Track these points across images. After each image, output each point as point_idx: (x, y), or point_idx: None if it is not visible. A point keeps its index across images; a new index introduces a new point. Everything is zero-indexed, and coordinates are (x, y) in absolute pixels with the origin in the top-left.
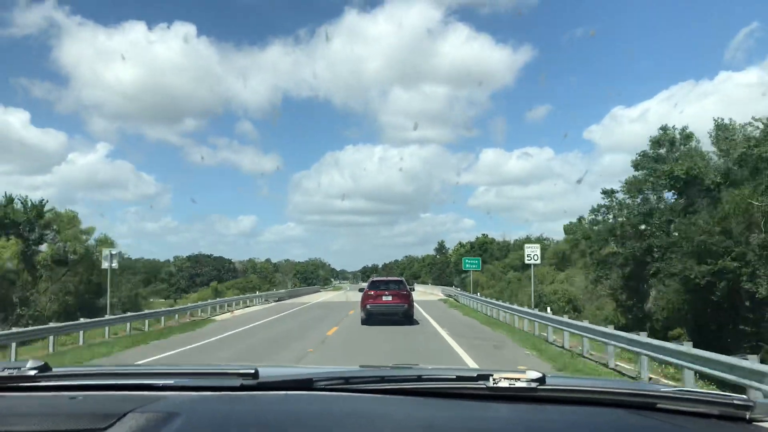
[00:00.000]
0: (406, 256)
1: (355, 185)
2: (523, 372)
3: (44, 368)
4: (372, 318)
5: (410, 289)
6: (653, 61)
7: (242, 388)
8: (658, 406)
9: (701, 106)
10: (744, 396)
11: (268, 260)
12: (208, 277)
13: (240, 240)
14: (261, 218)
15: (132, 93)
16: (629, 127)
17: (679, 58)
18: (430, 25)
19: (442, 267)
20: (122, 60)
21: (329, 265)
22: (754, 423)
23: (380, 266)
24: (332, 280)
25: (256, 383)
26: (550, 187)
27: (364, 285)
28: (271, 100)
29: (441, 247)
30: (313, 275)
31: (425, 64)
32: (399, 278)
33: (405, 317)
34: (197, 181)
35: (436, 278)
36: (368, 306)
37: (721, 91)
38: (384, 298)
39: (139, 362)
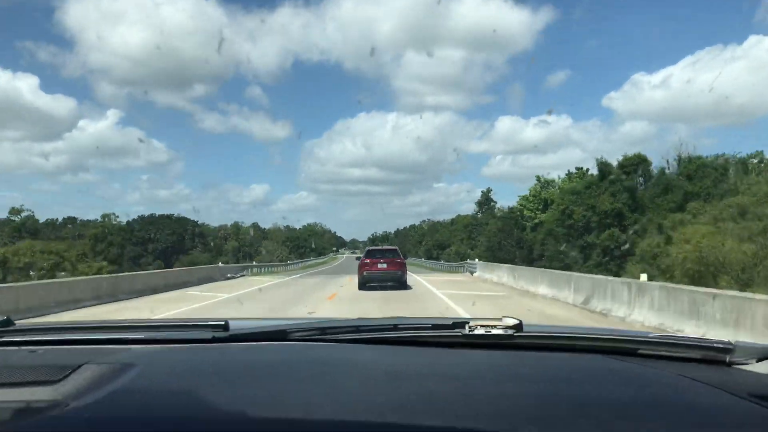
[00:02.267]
0: (425, 221)
1: (368, 154)
2: (500, 319)
3: (6, 323)
4: (368, 283)
5: (404, 259)
6: (678, 24)
7: (213, 340)
8: (639, 351)
9: (729, 72)
10: (725, 339)
11: (255, 225)
12: (164, 243)
13: (252, 209)
14: (273, 187)
15: (140, 57)
16: (650, 94)
17: (706, 22)
18: None
19: (502, 232)
20: (150, 12)
21: (332, 231)
22: (734, 366)
23: (392, 233)
24: (336, 249)
25: (227, 335)
26: (568, 155)
27: (361, 255)
28: (282, 64)
29: (487, 200)
30: (306, 244)
31: (440, 27)
32: (393, 247)
33: (399, 282)
34: (208, 149)
35: (491, 251)
36: (365, 273)
37: (751, 56)
38: (379, 266)
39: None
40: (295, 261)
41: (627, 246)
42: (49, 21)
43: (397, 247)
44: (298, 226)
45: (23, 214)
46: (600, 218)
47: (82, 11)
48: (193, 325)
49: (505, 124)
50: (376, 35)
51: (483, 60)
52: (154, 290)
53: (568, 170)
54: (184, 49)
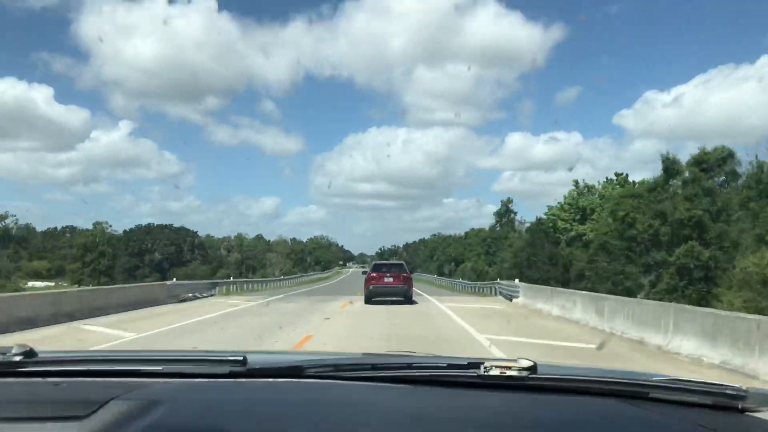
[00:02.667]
0: (435, 235)
1: (378, 168)
2: (515, 360)
3: (30, 353)
4: (374, 297)
5: (410, 273)
6: (690, 43)
7: (231, 375)
8: (651, 395)
9: (740, 91)
10: (737, 385)
11: (259, 237)
12: (161, 254)
13: (262, 221)
14: (283, 199)
15: (153, 69)
16: (662, 113)
17: (718, 41)
18: (457, 0)
19: (532, 246)
20: (163, 24)
21: (339, 245)
22: (746, 413)
23: (401, 247)
24: (343, 263)
25: (245, 370)
26: (578, 173)
27: (368, 270)
28: (293, 79)
29: (507, 212)
30: (310, 257)
31: (452, 43)
32: (400, 262)
33: (405, 297)
34: (219, 161)
35: (518, 268)
36: (371, 287)
37: (763, 76)
38: (386, 280)
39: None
40: (292, 276)
41: (711, 264)
42: (65, 32)
43: (403, 262)
44: (305, 239)
45: (7, 221)
46: (673, 229)
47: (96, 23)
48: (212, 359)
49: (515, 140)
50: (388, 50)
51: (494, 76)
52: (31, 322)
53: (607, 177)
54: (197, 62)
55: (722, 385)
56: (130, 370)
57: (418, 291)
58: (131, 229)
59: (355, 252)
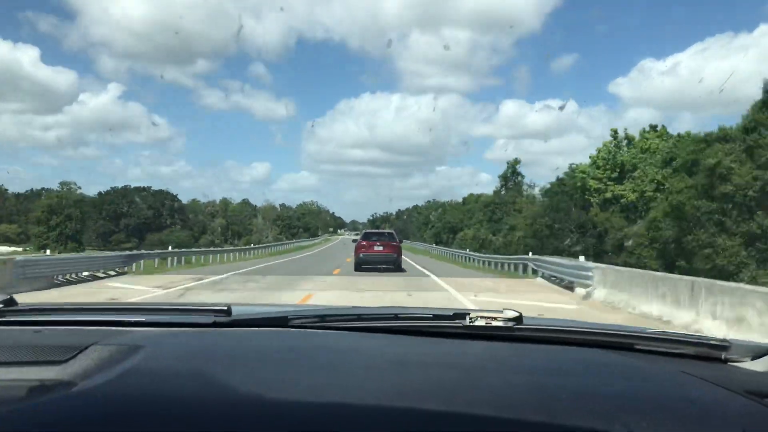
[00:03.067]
0: (430, 202)
1: (371, 135)
2: (501, 311)
3: (10, 302)
4: (364, 264)
5: (399, 240)
6: (688, 11)
7: (215, 324)
8: (635, 346)
9: (738, 60)
10: (720, 337)
11: (245, 201)
12: (138, 219)
13: (253, 187)
14: (274, 165)
15: (142, 31)
16: (658, 81)
17: (717, 9)
18: None
19: (554, 211)
20: None
21: (330, 212)
22: (729, 363)
23: (393, 214)
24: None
25: (229, 320)
26: (572, 141)
27: (358, 238)
28: (285, 42)
29: (513, 173)
30: (298, 223)
31: (447, 6)
32: (390, 231)
33: (394, 265)
34: (210, 125)
35: (538, 239)
36: (361, 254)
37: (762, 45)
38: (376, 248)
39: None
40: (261, 245)
41: None
42: None
43: (393, 231)
44: (294, 205)
45: None
46: None
47: None
48: (195, 309)
49: (509, 108)
50: (381, 13)
51: (489, 42)
52: None
53: (643, 128)
54: (187, 23)
55: (706, 336)
56: (113, 320)
57: (418, 266)
58: (106, 192)
59: (347, 219)
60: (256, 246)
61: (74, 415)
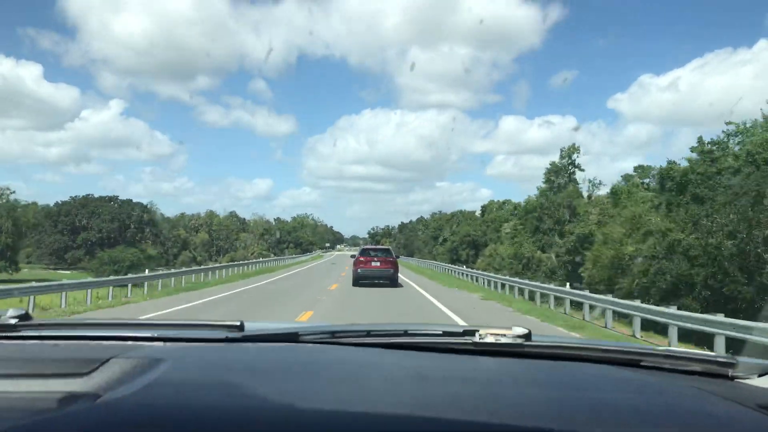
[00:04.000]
0: (436, 213)
1: (371, 150)
2: (509, 328)
3: (25, 317)
4: (361, 280)
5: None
6: (688, 26)
7: (227, 340)
8: (643, 363)
9: (737, 76)
10: (727, 354)
11: (232, 214)
12: (102, 233)
13: (255, 203)
14: (276, 181)
15: (143, 48)
16: (657, 97)
17: (716, 25)
18: None
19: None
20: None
21: (328, 226)
22: (736, 380)
23: (395, 228)
24: (330, 245)
25: (241, 336)
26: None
27: (356, 253)
28: (286, 58)
29: (571, 164)
30: (289, 237)
31: (446, 22)
32: (387, 247)
33: (390, 280)
34: (211, 142)
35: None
36: (359, 270)
37: (761, 60)
38: (373, 264)
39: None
40: (215, 266)
41: None
42: (51, 7)
43: (390, 248)
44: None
45: None
46: None
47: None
48: (208, 325)
49: (509, 123)
50: (382, 30)
51: (489, 58)
52: None
53: None
54: (188, 40)
55: (713, 354)
56: (127, 335)
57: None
58: (63, 202)
59: (348, 234)
60: (208, 267)
61: (102, 426)
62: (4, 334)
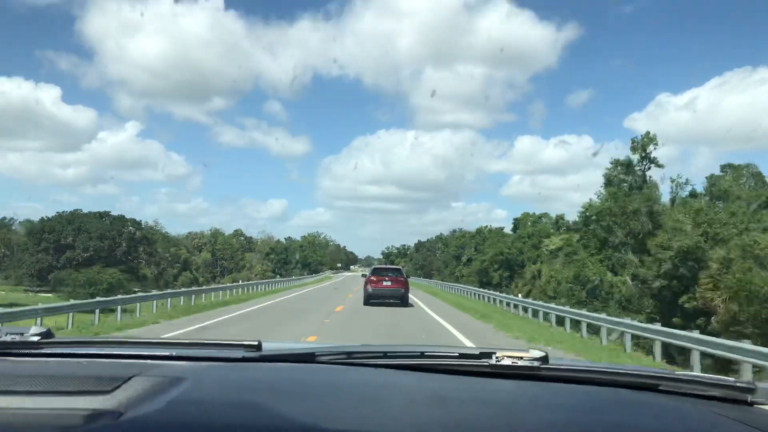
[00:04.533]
0: (456, 231)
1: (386, 171)
2: (527, 351)
3: (47, 335)
4: (372, 299)
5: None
6: (706, 44)
7: (245, 360)
8: (660, 387)
9: (757, 94)
10: (747, 379)
11: (238, 232)
12: (89, 252)
13: (270, 224)
14: (291, 202)
15: (159, 69)
16: (675, 116)
17: (735, 43)
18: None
19: None
20: (169, 23)
21: (340, 245)
22: (756, 405)
23: (411, 247)
24: (341, 266)
25: (258, 355)
26: (588, 177)
27: (367, 272)
28: (301, 79)
29: (644, 159)
30: (297, 258)
31: (461, 43)
32: (398, 267)
33: (401, 300)
34: (226, 163)
35: None
36: (370, 289)
37: None
38: (384, 283)
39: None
40: (183, 290)
41: None
42: (69, 30)
43: (401, 268)
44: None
45: None
46: None
47: (100, 21)
48: (226, 344)
49: (525, 143)
50: (395, 50)
51: (504, 77)
52: None
53: None
54: (203, 62)
55: (732, 379)
56: (147, 354)
57: None
58: (49, 218)
59: (362, 255)
60: (173, 292)
61: None
62: (27, 351)
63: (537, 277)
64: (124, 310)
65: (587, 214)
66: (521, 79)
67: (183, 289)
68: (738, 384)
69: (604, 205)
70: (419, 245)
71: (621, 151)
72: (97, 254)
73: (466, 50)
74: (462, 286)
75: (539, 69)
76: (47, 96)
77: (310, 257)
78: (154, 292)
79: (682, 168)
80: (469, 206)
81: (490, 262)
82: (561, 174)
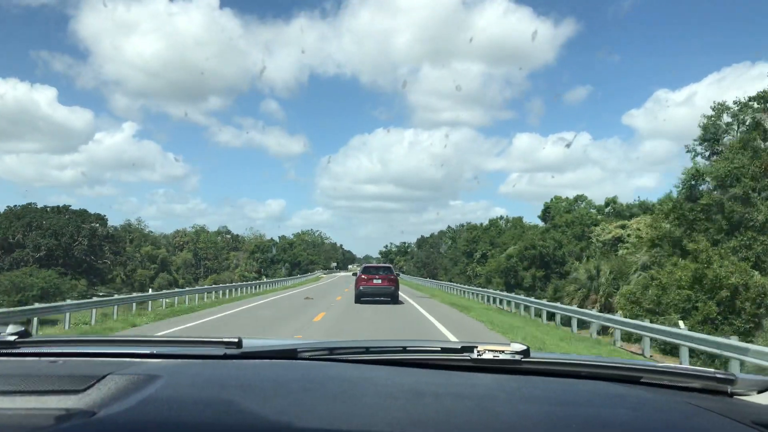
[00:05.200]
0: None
1: (384, 170)
2: (508, 344)
3: (24, 334)
4: (363, 297)
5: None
6: (704, 39)
7: (225, 356)
8: (642, 379)
9: (755, 90)
10: (726, 371)
11: (223, 229)
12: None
13: (268, 224)
14: (289, 202)
15: (155, 69)
16: (673, 112)
17: (734, 37)
18: None
19: None
20: (164, 22)
21: (338, 244)
22: (735, 397)
23: (412, 244)
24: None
25: (239, 352)
26: (587, 174)
27: (357, 271)
28: (298, 78)
29: (765, 105)
30: (282, 257)
31: (459, 40)
32: (388, 265)
33: (392, 297)
34: (224, 163)
35: None
36: (361, 287)
37: None
38: (375, 281)
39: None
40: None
41: None
42: (64, 31)
43: (391, 266)
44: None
45: None
46: None
47: (94, 20)
48: (206, 341)
49: (523, 141)
50: (393, 48)
51: (502, 75)
52: None
53: None
54: (199, 61)
55: (712, 370)
56: (127, 353)
57: None
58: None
59: (361, 254)
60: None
61: None
62: (2, 351)
63: (594, 278)
64: (45, 322)
65: (694, 182)
66: (519, 76)
67: (126, 296)
68: (718, 375)
69: (736, 163)
70: (421, 241)
71: (619, 148)
72: (51, 254)
73: (463, 47)
74: (476, 289)
75: (537, 65)
76: (43, 97)
77: (300, 256)
78: (95, 298)
79: (683, 163)
80: (468, 204)
81: (518, 258)
82: (560, 171)
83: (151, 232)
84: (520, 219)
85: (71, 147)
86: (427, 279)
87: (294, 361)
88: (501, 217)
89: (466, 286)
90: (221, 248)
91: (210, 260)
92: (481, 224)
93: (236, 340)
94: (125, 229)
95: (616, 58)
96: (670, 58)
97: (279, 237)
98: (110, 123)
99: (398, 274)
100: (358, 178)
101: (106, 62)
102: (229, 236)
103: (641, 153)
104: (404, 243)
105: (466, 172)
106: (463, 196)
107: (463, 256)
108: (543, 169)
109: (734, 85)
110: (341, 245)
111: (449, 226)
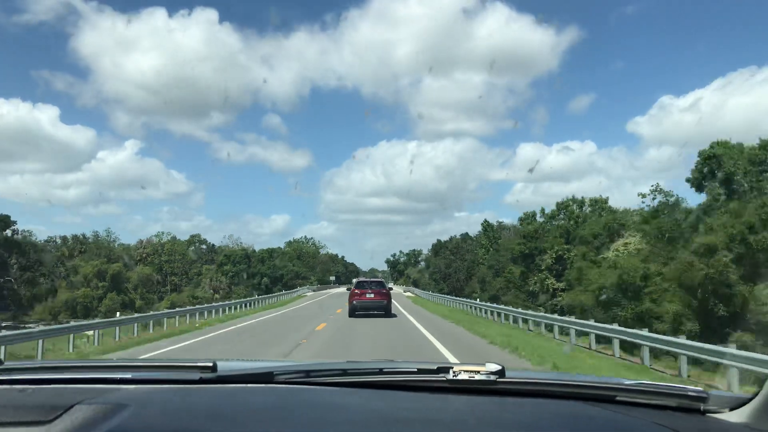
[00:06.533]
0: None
1: (388, 182)
2: (483, 365)
3: None
4: (356, 311)
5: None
6: (709, 45)
7: (201, 381)
8: (617, 398)
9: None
10: (699, 388)
11: (195, 238)
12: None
13: (273, 239)
14: (293, 217)
15: (155, 86)
16: (678, 118)
17: (739, 42)
18: (465, 4)
19: None
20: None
21: (339, 255)
22: (708, 414)
23: (427, 252)
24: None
25: (215, 377)
26: (592, 184)
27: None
28: (299, 91)
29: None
30: (263, 269)
31: (460, 49)
32: (380, 280)
33: (385, 311)
34: (228, 179)
35: None
36: (354, 302)
37: None
38: (368, 295)
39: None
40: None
41: None
42: (61, 48)
43: (383, 280)
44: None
45: None
46: None
47: (94, 38)
48: (181, 366)
49: (527, 150)
50: (394, 59)
51: (505, 84)
52: None
53: None
54: (200, 77)
55: (685, 387)
56: (100, 378)
57: None
58: None
59: (366, 267)
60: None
61: None
62: None
63: None
64: None
65: None
66: (522, 85)
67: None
68: (689, 392)
69: None
70: (438, 246)
71: (624, 155)
72: None
73: (465, 57)
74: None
75: (540, 74)
76: (45, 116)
77: (282, 269)
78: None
79: (688, 170)
80: (473, 216)
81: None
82: (565, 180)
83: (122, 243)
84: (603, 202)
85: (75, 166)
86: (450, 296)
87: (270, 385)
88: (573, 199)
89: (551, 316)
90: (192, 261)
91: (177, 276)
92: (543, 209)
93: (211, 364)
94: (79, 240)
95: (620, 65)
96: (674, 64)
97: (229, 237)
98: (113, 141)
99: (391, 288)
100: (362, 192)
101: (107, 80)
102: (204, 246)
103: (646, 160)
104: (414, 250)
105: (471, 183)
106: (468, 207)
107: (521, 261)
108: (548, 178)
109: (739, 89)
110: (343, 257)
111: (486, 221)
